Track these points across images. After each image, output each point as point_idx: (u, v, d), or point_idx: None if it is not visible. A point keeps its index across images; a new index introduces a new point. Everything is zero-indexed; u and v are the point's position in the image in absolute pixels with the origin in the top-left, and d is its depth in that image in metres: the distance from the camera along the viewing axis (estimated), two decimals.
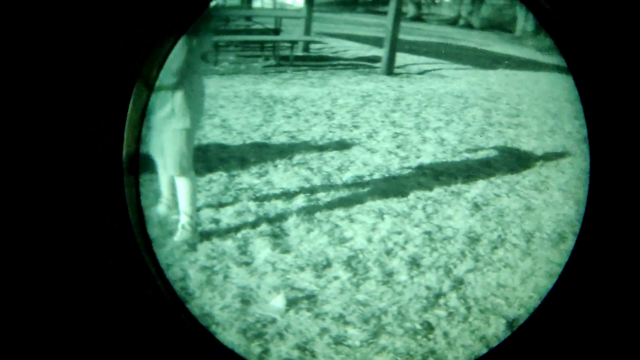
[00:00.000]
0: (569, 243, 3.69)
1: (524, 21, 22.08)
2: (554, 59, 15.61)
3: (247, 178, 4.39)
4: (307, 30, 11.48)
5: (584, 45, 1.21)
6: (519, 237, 3.74)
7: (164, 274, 1.80)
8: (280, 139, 5.48)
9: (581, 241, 1.36)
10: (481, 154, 5.48)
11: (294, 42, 10.45)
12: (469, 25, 23.73)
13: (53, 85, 1.39)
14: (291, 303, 2.89)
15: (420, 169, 4.86)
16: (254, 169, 4.58)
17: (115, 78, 1.46)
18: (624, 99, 1.20)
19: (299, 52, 10.83)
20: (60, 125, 1.42)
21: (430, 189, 4.40)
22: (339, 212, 3.87)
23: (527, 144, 5.96)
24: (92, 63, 1.40)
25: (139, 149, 1.68)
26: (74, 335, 1.51)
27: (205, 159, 4.70)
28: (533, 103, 8.13)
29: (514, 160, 5.38)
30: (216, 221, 3.66)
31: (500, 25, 24.19)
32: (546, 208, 4.30)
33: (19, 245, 1.45)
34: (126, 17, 1.38)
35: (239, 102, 6.78)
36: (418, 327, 2.77)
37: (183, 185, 3.40)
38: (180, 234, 3.38)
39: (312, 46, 11.63)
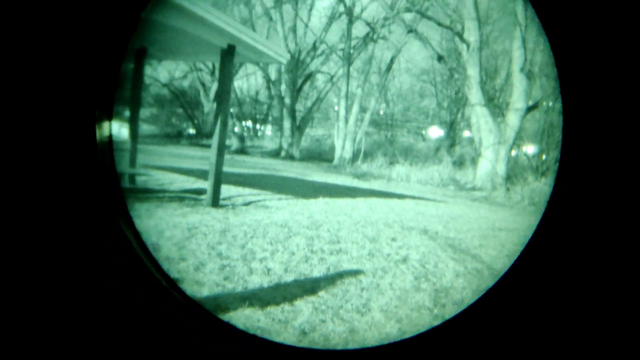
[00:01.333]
0: None
1: (341, 150, 23.90)
2: (370, 185, 16.96)
3: None
4: (132, 163, 11.43)
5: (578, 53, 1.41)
6: None
7: (160, 266, 1.81)
8: None
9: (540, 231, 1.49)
10: (306, 282, 5.69)
11: (119, 175, 10.30)
12: (290, 157, 25.13)
13: (55, 86, 1.41)
14: None
15: (248, 300, 4.92)
16: None
17: (119, 78, 1.49)
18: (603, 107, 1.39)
19: (124, 185, 10.68)
20: (63, 126, 1.43)
21: (257, 320, 4.45)
22: None
23: (348, 269, 6.32)
24: (93, 64, 1.42)
25: None
26: (72, 331, 1.51)
27: None
28: (352, 229, 8.70)
29: (336, 285, 5.66)
30: None
31: (319, 155, 25.93)
32: (369, 330, 4.53)
33: (19, 244, 1.43)
34: (127, 17, 1.43)
35: None
36: None
37: None
38: None
39: (138, 178, 11.55)
